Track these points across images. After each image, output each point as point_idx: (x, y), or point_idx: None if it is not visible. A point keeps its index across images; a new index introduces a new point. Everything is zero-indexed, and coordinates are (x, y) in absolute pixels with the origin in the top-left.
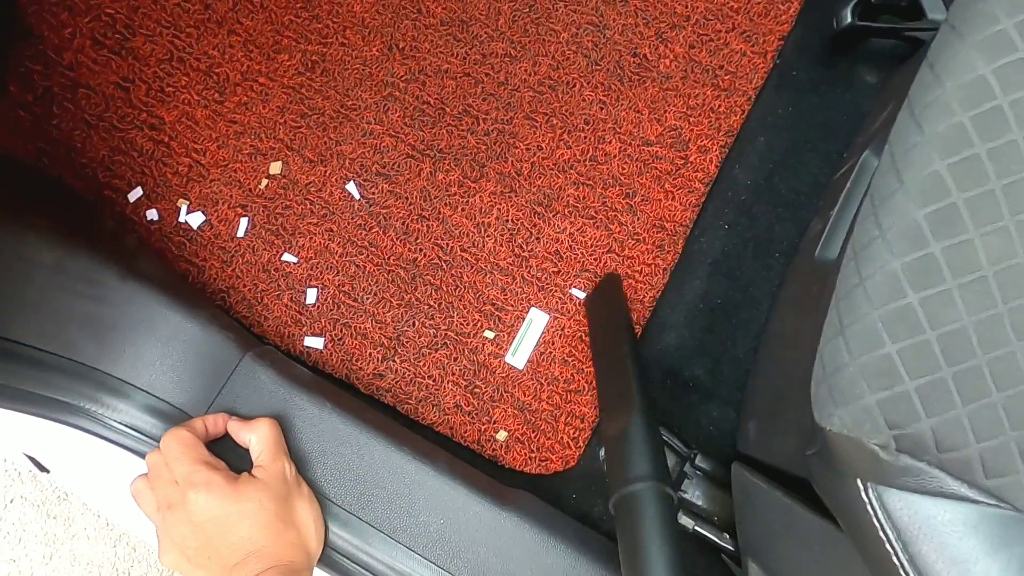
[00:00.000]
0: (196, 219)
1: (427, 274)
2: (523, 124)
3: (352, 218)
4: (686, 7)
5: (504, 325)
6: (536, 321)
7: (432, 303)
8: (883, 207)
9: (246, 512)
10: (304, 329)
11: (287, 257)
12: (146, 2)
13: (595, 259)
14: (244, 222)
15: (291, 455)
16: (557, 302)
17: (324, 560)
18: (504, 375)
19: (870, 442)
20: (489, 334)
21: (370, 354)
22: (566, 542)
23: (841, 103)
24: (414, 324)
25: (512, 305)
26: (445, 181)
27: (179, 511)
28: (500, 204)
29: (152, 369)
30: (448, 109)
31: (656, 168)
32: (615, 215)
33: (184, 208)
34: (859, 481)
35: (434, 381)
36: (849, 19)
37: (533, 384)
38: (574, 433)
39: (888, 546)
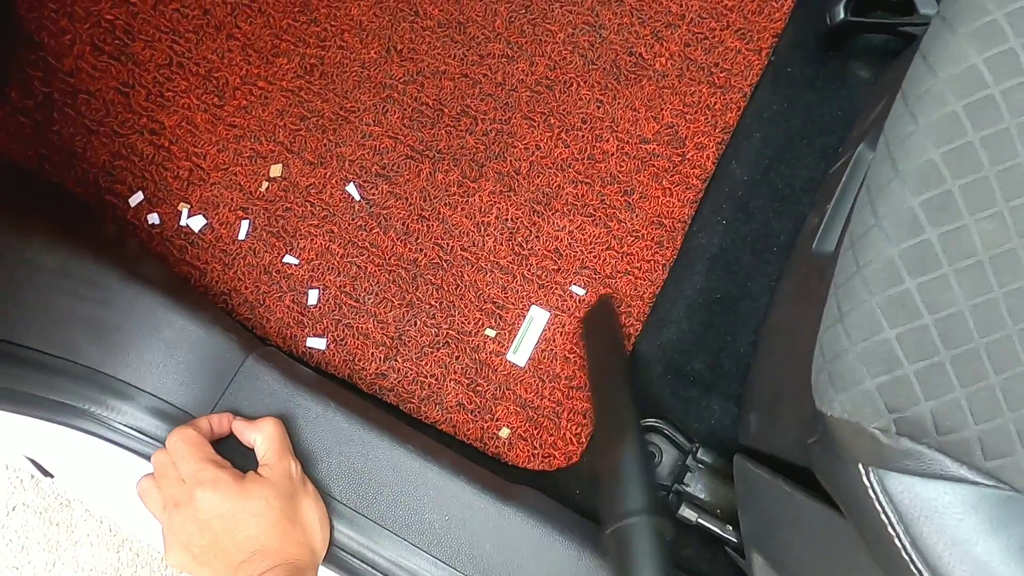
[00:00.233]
0: (197, 223)
1: (428, 274)
2: (521, 124)
3: (352, 219)
4: (681, 6)
5: (505, 323)
6: (537, 319)
7: (433, 302)
8: (879, 196)
9: (252, 510)
10: (306, 330)
11: (288, 259)
12: (145, 8)
13: (594, 256)
14: (245, 225)
15: (296, 454)
16: (557, 299)
17: (330, 558)
18: (506, 373)
19: (870, 426)
20: (490, 332)
21: (372, 354)
22: (571, 538)
23: (835, 98)
24: (415, 323)
25: (513, 303)
26: (444, 181)
27: (185, 509)
28: (499, 203)
29: (156, 371)
30: (446, 110)
31: (654, 165)
32: (614, 212)
33: (185, 212)
34: (860, 466)
35: (436, 380)
36: (842, 15)
37: (535, 381)
38: (576, 429)
39: (890, 529)
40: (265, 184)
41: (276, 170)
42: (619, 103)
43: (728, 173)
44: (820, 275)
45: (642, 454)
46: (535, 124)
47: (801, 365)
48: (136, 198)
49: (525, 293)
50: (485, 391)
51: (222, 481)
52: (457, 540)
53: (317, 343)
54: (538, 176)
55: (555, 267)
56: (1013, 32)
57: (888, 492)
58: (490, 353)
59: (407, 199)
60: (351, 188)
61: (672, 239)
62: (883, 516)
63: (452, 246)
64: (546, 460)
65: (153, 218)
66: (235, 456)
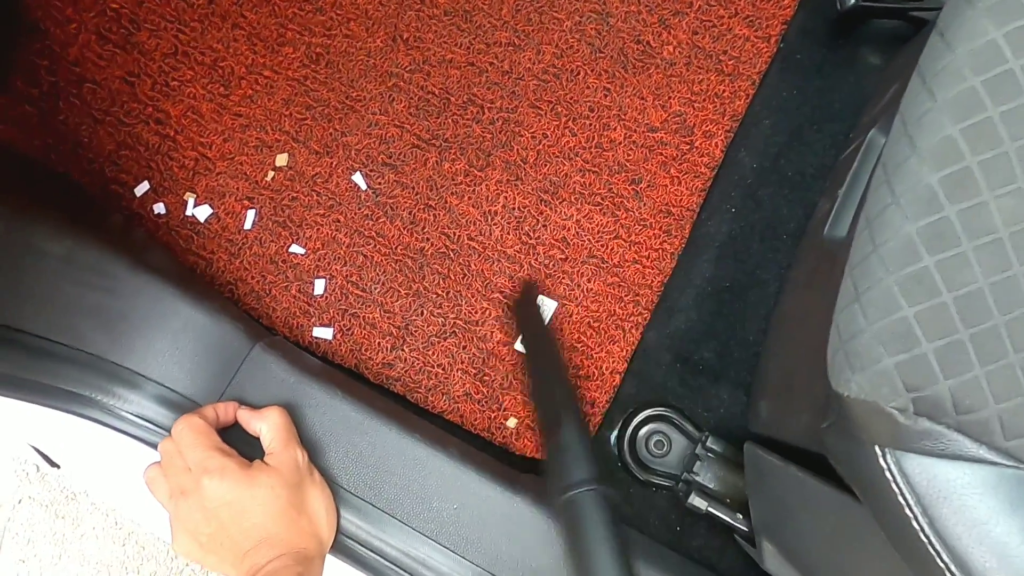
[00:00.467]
0: (203, 212)
1: (434, 263)
2: (528, 112)
3: (359, 208)
4: None
5: (513, 313)
6: (544, 308)
7: (440, 292)
8: (896, 174)
9: (259, 499)
10: (313, 320)
11: (295, 248)
12: None
13: (602, 245)
14: (251, 214)
15: (303, 443)
16: (565, 289)
17: (337, 547)
18: (513, 363)
19: (888, 405)
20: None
21: (379, 344)
22: None
23: (845, 85)
24: (422, 313)
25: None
26: (451, 170)
27: (192, 498)
28: (506, 192)
29: (163, 360)
30: (453, 99)
31: (661, 154)
32: (621, 201)
33: (191, 201)
34: (876, 447)
35: (443, 370)
36: (852, 1)
37: None
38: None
39: (907, 511)
40: (271, 173)
41: (282, 159)
42: (626, 91)
43: (737, 161)
44: (832, 261)
45: (581, 428)
46: (542, 113)
47: (813, 351)
48: (142, 188)
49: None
50: (492, 381)
51: (229, 469)
52: (465, 529)
53: (323, 333)
54: (545, 165)
55: (562, 256)
56: None
57: (905, 473)
58: (497, 343)
59: (414, 188)
60: (357, 177)
61: (680, 228)
62: (900, 498)
63: (459, 235)
64: None
65: (159, 208)
66: (241, 445)
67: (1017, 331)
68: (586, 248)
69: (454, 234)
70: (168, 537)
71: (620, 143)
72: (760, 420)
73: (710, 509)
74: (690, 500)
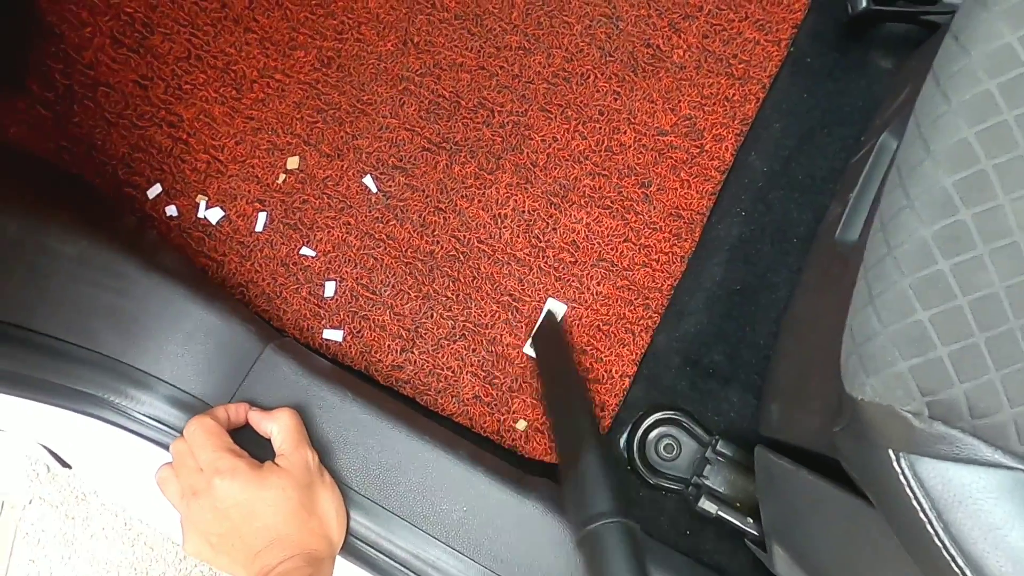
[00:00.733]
0: (215, 214)
1: (444, 266)
2: (538, 116)
3: (369, 211)
4: None
5: (522, 315)
6: (553, 311)
7: (450, 295)
8: (910, 177)
9: (270, 499)
10: (323, 322)
11: (305, 251)
12: (164, 1)
13: (612, 248)
14: (262, 217)
15: (313, 445)
16: (574, 292)
17: (348, 549)
18: (522, 365)
19: (902, 409)
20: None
21: (389, 346)
22: None
23: (856, 88)
24: (432, 316)
25: (530, 295)
26: (461, 173)
27: (204, 498)
28: (516, 195)
29: (175, 361)
30: (463, 102)
31: (671, 157)
32: (631, 204)
33: (203, 204)
34: (891, 451)
35: (453, 372)
36: (864, 4)
37: None
38: None
39: (922, 515)
40: (282, 176)
41: (293, 162)
42: (636, 95)
43: (747, 164)
44: (844, 264)
45: (603, 457)
46: (552, 116)
47: (825, 354)
48: (154, 190)
49: (542, 285)
50: (502, 384)
51: (240, 470)
52: (475, 531)
53: (334, 335)
54: (555, 168)
55: (572, 259)
56: None
57: (920, 478)
58: (507, 346)
59: (424, 191)
60: (368, 180)
61: (690, 231)
62: (915, 502)
63: (469, 238)
64: None
65: (171, 210)
66: (252, 446)
67: None
68: (596, 251)
69: (464, 237)
70: (178, 538)
71: (630, 146)
72: (771, 423)
73: (720, 513)
74: (700, 504)
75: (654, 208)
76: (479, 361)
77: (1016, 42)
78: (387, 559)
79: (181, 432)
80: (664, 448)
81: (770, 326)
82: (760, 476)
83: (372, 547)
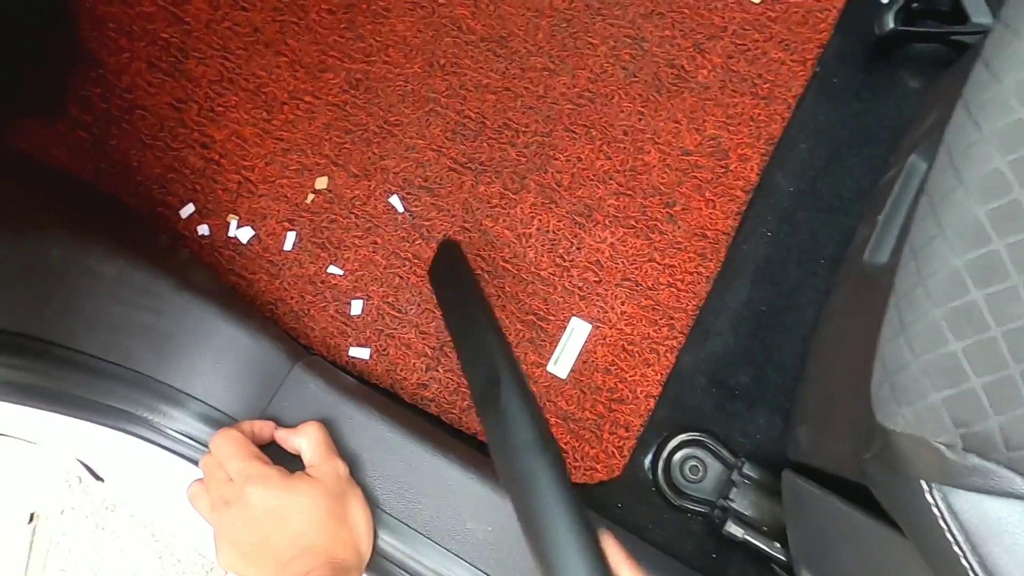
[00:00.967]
0: (245, 234)
1: None
2: (563, 136)
3: (396, 231)
4: (723, 18)
5: (546, 335)
6: (578, 330)
7: None
8: (942, 205)
9: (300, 507)
10: (350, 340)
11: (333, 269)
12: (199, 26)
13: (636, 268)
14: (291, 236)
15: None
16: (599, 311)
17: (373, 567)
18: (546, 385)
19: (935, 440)
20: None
21: (414, 364)
22: None
23: (883, 108)
24: None
25: (554, 315)
26: (486, 193)
27: (235, 507)
28: (541, 215)
29: (206, 379)
30: (489, 123)
31: (696, 177)
32: (655, 224)
33: (234, 223)
34: (923, 482)
35: None
36: (891, 25)
37: (576, 393)
38: (619, 442)
39: (956, 548)
40: (311, 196)
41: (322, 182)
42: (661, 115)
43: (773, 184)
44: (873, 287)
45: (523, 388)
46: (577, 136)
47: (854, 377)
48: (187, 210)
49: (566, 305)
50: None
51: (271, 477)
52: (500, 551)
53: (360, 353)
54: (579, 188)
55: (596, 279)
56: None
57: (953, 510)
58: (531, 364)
59: (449, 211)
60: (395, 200)
61: (716, 251)
62: (948, 535)
63: (494, 257)
64: (587, 473)
65: (203, 229)
66: (280, 461)
67: None
68: (620, 271)
69: (489, 256)
70: (205, 551)
71: (654, 166)
72: (799, 447)
73: (747, 537)
74: (727, 528)
75: (679, 228)
76: None
77: None
78: None
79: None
80: (689, 470)
81: (797, 347)
82: (788, 501)
83: (398, 566)
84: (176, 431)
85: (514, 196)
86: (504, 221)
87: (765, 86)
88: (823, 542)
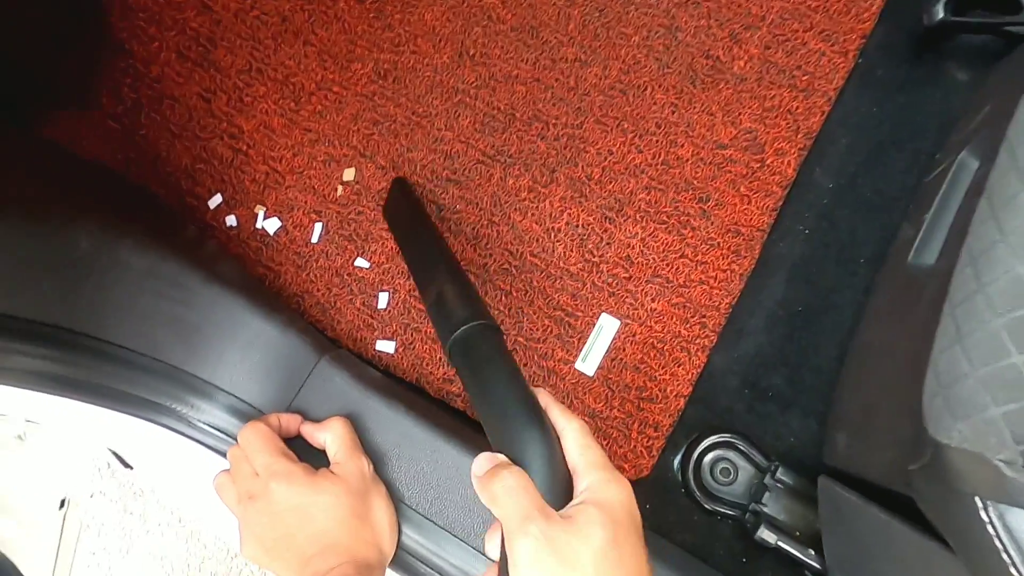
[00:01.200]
0: (272, 225)
1: (497, 279)
2: (593, 129)
3: None
4: (761, 7)
5: (574, 331)
6: (607, 327)
7: (502, 308)
8: (1005, 209)
9: (324, 504)
10: (376, 333)
11: (360, 262)
12: (227, 16)
13: (667, 264)
14: (318, 228)
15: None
16: (628, 308)
17: (398, 562)
18: (574, 381)
19: (994, 457)
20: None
21: (440, 358)
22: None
23: (929, 102)
24: None
25: (582, 311)
26: (515, 186)
27: (260, 501)
28: (570, 209)
29: (234, 370)
30: (518, 115)
31: (731, 172)
32: (688, 219)
33: (261, 214)
34: (978, 499)
35: None
36: (941, 15)
37: (604, 391)
38: (647, 442)
39: (1013, 570)
40: (339, 188)
41: (349, 174)
42: (695, 107)
43: (811, 180)
44: (918, 290)
45: (458, 276)
46: (608, 129)
47: (898, 384)
48: (215, 200)
49: (595, 301)
50: None
51: (296, 474)
52: None
53: (386, 346)
54: (610, 182)
55: (626, 275)
56: None
57: (1010, 529)
58: (558, 361)
59: (477, 204)
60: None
61: (750, 248)
62: (1004, 555)
63: (522, 252)
64: None
65: (231, 220)
66: (305, 456)
67: None
68: (651, 267)
69: (517, 250)
70: (229, 538)
71: (687, 160)
72: (837, 453)
73: (779, 543)
74: (759, 533)
75: (712, 224)
76: (530, 376)
77: None
78: (437, 574)
79: (237, 440)
80: (720, 472)
81: (834, 349)
82: (824, 508)
83: (423, 562)
84: (204, 422)
85: (543, 189)
86: (533, 215)
87: (804, 78)
88: (861, 552)
